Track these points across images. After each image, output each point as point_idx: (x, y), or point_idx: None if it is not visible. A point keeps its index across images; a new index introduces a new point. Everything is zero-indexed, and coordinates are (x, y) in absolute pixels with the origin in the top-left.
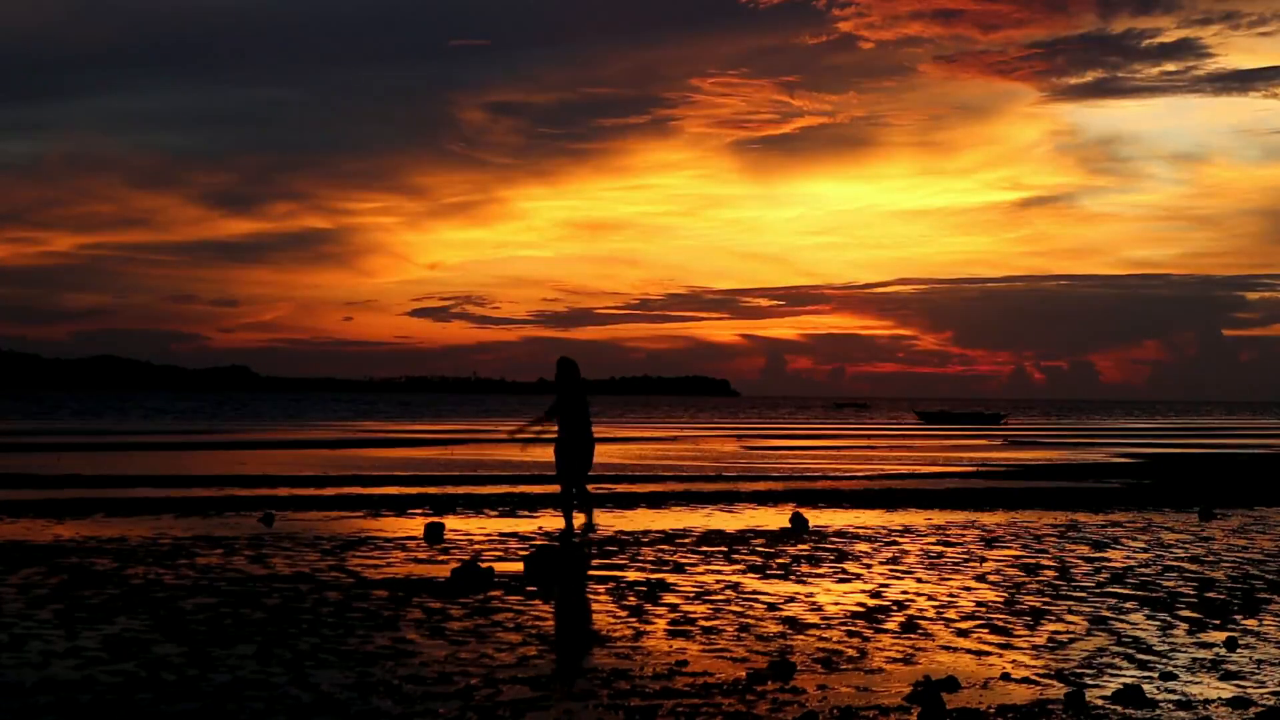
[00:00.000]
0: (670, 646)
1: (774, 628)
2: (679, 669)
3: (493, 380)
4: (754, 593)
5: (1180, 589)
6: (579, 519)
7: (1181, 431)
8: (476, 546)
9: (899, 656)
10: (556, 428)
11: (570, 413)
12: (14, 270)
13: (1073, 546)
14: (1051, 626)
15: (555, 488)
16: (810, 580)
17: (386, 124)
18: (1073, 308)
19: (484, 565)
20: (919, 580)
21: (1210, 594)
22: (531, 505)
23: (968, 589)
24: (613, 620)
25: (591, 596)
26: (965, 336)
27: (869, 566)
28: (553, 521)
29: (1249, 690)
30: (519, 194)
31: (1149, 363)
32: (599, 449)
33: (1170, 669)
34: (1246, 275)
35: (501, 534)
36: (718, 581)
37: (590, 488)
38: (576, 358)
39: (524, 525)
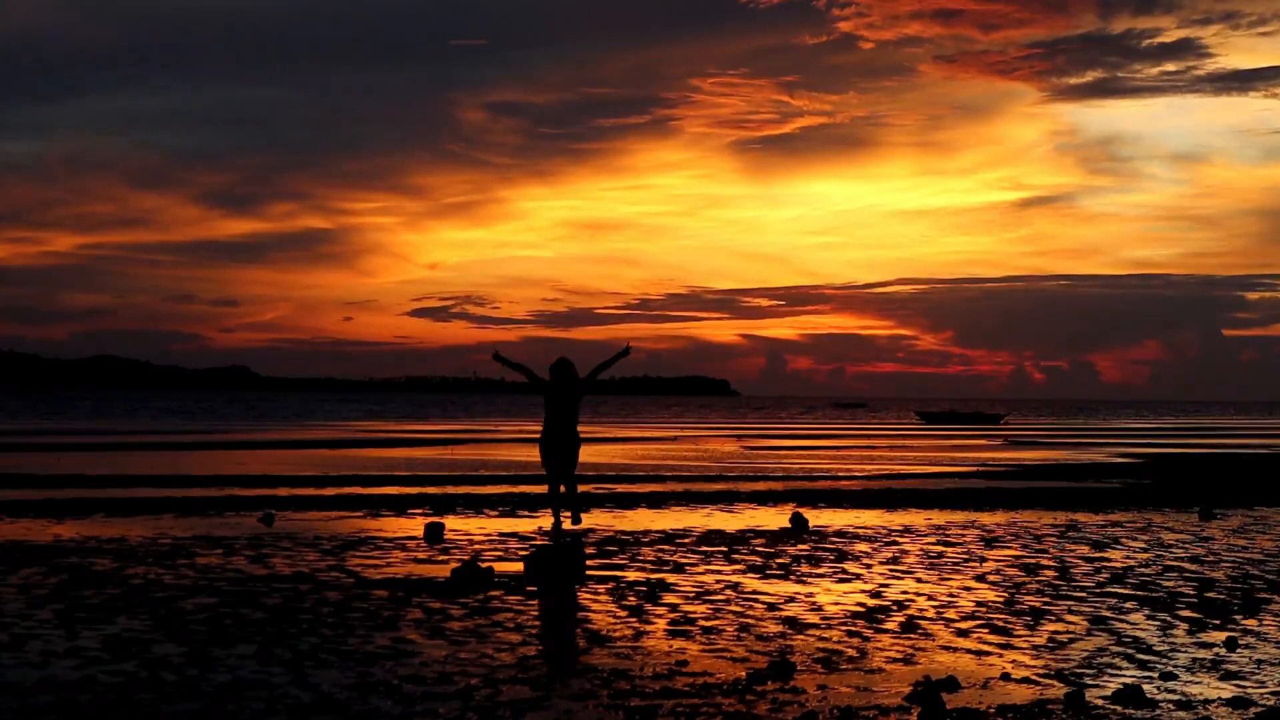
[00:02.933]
0: (670, 646)
1: (774, 628)
2: (679, 669)
3: (493, 380)
4: (754, 593)
5: (1180, 589)
6: (566, 518)
7: (1181, 431)
8: (476, 546)
9: (899, 656)
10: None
11: (553, 410)
12: (14, 270)
13: (1073, 546)
14: (1051, 626)
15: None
16: (810, 580)
17: (386, 124)
18: (1073, 308)
19: (484, 565)
20: (919, 580)
21: (1210, 594)
22: (531, 505)
23: (968, 589)
24: (613, 620)
25: (591, 596)
26: (965, 336)
27: (869, 566)
28: (552, 522)
29: (1249, 690)
30: (519, 194)
31: (1149, 363)
32: (599, 449)
33: (1170, 669)
34: (1246, 275)
35: (501, 534)
36: (718, 581)
37: (585, 488)
38: (576, 358)
39: (524, 525)
